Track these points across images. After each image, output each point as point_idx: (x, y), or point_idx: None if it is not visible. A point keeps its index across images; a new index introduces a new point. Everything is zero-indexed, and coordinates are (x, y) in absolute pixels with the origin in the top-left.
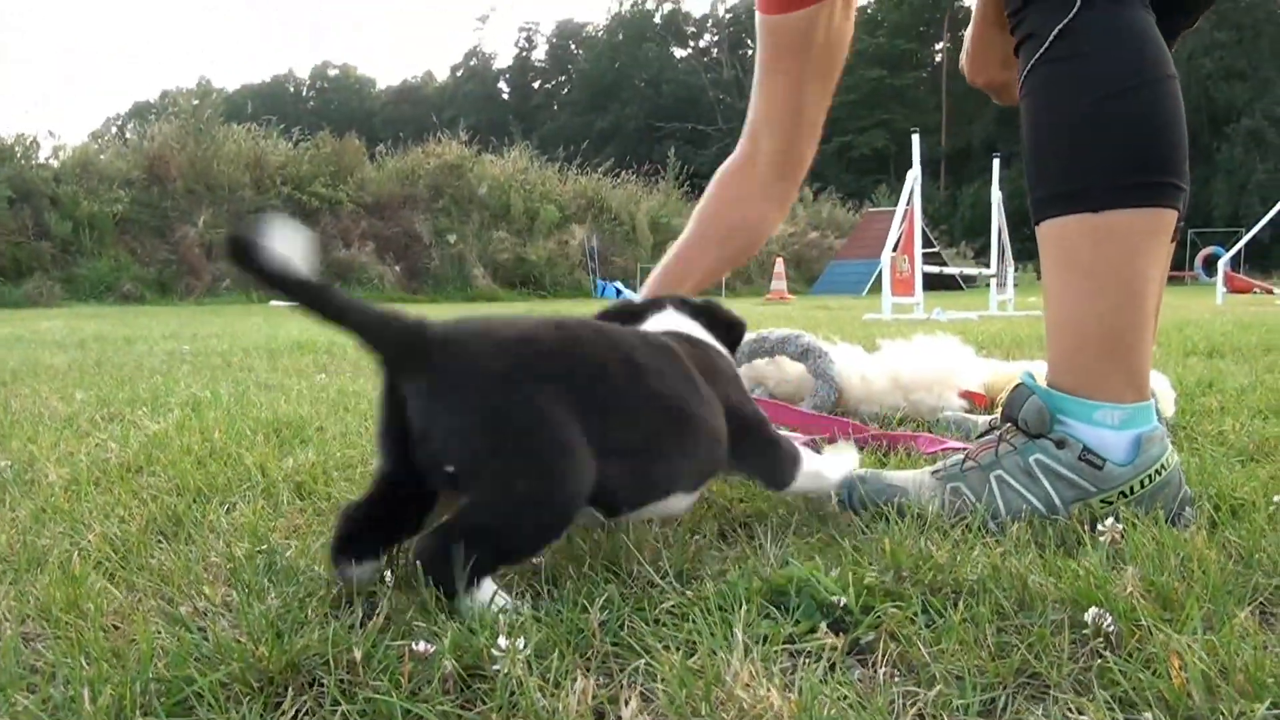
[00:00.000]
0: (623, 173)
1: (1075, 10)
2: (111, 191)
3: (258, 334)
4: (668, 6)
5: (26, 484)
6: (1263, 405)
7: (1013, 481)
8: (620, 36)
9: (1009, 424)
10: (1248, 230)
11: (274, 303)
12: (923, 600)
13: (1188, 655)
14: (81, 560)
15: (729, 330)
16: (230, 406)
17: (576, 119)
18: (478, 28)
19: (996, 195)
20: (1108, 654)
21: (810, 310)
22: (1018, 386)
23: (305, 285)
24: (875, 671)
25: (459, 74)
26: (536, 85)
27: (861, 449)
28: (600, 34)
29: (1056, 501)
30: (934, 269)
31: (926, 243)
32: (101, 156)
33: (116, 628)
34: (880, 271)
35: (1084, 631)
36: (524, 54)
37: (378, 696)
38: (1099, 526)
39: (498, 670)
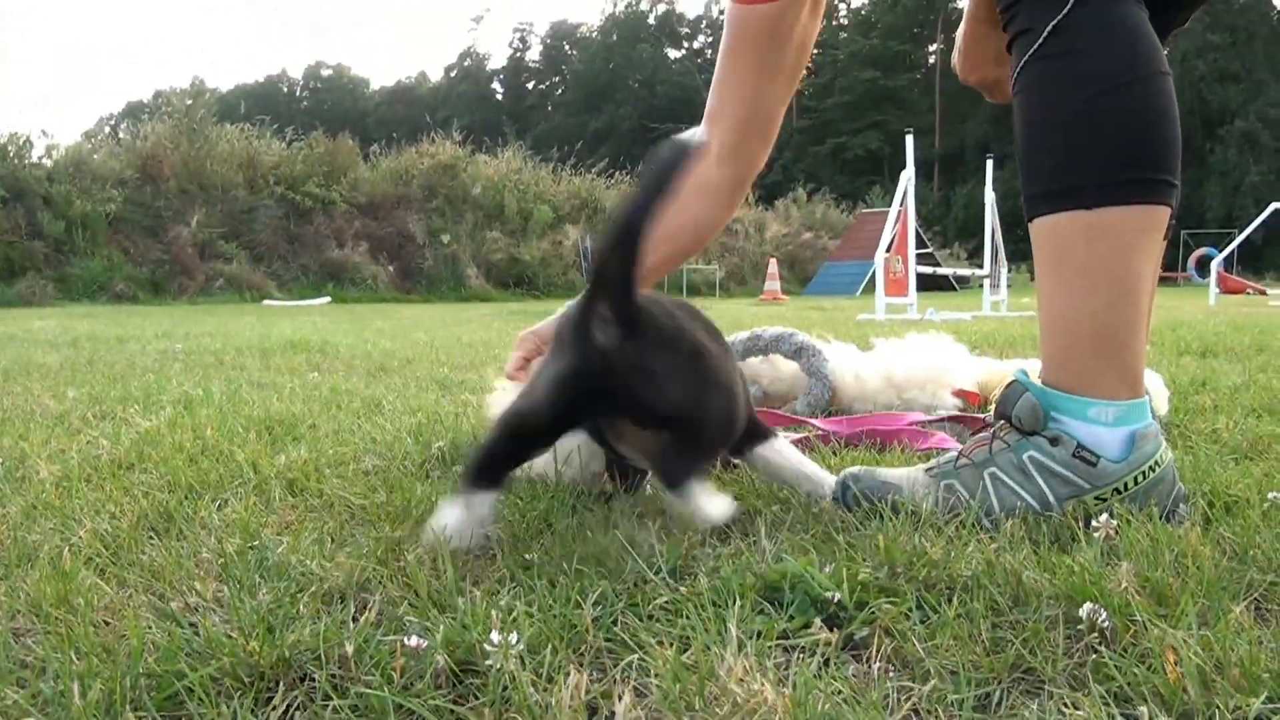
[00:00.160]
0: (617, 173)
1: (1069, 6)
2: (105, 191)
3: (250, 333)
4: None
5: (17, 481)
6: (1256, 404)
7: (1006, 479)
8: (614, 37)
9: (1003, 421)
10: (1241, 232)
11: (267, 302)
12: (917, 596)
13: (1183, 650)
14: (72, 556)
15: None
16: (222, 404)
17: (570, 119)
18: (472, 28)
19: (990, 196)
20: (1103, 649)
21: (804, 311)
22: (1011, 384)
23: None
24: (870, 667)
25: (453, 74)
26: (531, 86)
27: (856, 445)
28: (594, 35)
29: (1050, 498)
30: (927, 270)
31: (920, 244)
32: (95, 156)
33: (107, 623)
34: (874, 272)
35: (1079, 627)
36: (518, 54)
37: (369, 691)
38: (1093, 523)
39: (490, 665)
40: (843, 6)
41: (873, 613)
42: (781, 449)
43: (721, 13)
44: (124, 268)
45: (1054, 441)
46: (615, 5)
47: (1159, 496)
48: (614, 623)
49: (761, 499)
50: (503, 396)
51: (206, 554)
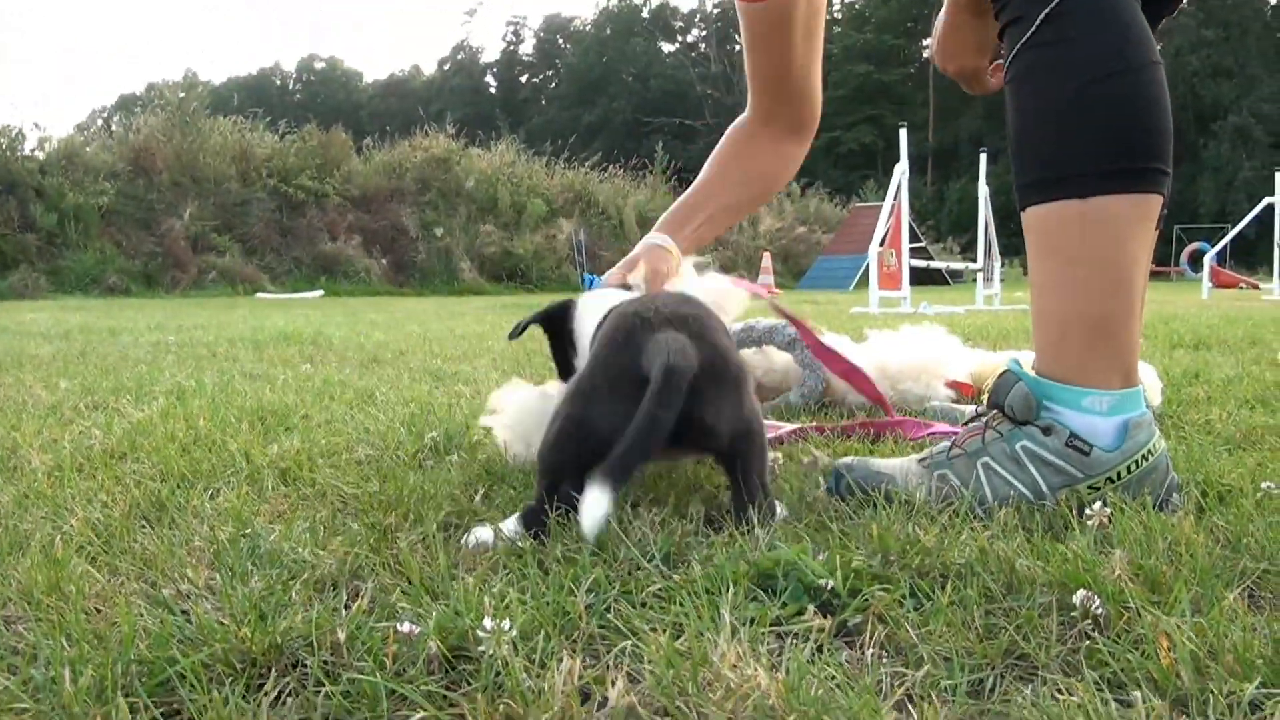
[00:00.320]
0: (610, 167)
1: None
2: (97, 184)
3: (243, 325)
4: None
5: (9, 470)
6: (1249, 395)
7: (999, 468)
8: (608, 31)
9: (995, 411)
10: (1234, 226)
11: (260, 295)
12: (910, 583)
13: (1176, 636)
14: (64, 544)
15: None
16: (215, 395)
17: (564, 113)
18: (465, 21)
19: (983, 190)
20: (1096, 635)
21: (798, 305)
22: (1004, 374)
23: None
24: (863, 653)
25: (446, 68)
26: (524, 79)
27: (849, 437)
28: (588, 28)
29: (1044, 488)
30: (921, 264)
31: (913, 238)
32: (87, 149)
33: (98, 610)
34: (867, 266)
35: (1072, 614)
36: (511, 48)
37: (361, 677)
38: (1087, 511)
39: (483, 651)
40: (836, 1)
41: (866, 600)
42: None
43: (715, 6)
44: (116, 260)
45: (1047, 431)
46: None
47: (1152, 485)
48: (607, 609)
49: None
50: (510, 392)
51: (199, 542)
